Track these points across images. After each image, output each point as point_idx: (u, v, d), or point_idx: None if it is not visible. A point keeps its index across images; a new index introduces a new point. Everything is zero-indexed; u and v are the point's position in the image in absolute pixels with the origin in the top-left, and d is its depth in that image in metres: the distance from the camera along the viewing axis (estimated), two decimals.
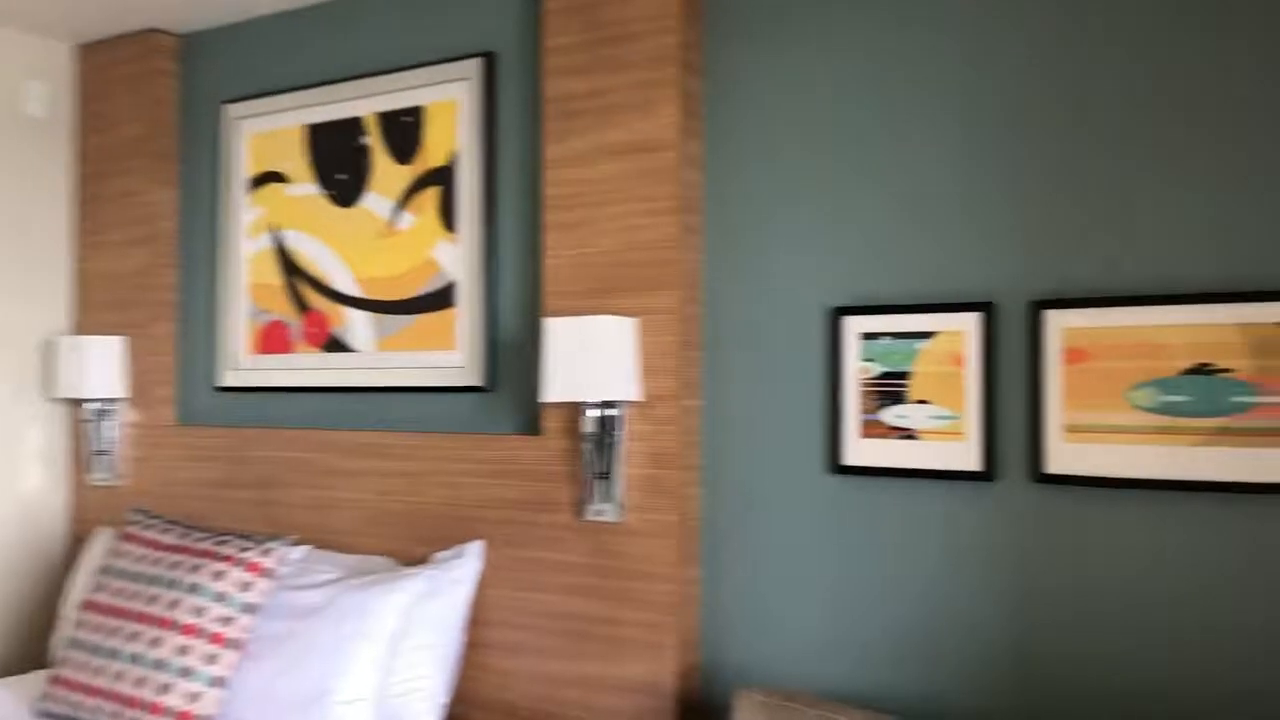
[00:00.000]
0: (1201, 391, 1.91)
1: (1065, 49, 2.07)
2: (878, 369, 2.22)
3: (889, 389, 2.21)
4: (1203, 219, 1.94)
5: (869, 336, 2.23)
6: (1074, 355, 2.03)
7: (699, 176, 2.46)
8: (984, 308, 2.11)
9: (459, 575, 2.55)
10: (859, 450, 2.24)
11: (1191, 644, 1.92)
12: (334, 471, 2.88)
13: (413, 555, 2.73)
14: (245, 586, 2.41)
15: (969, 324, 2.13)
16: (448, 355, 2.82)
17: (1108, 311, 1.99)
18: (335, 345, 3.01)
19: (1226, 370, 1.89)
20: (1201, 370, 1.92)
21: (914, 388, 2.18)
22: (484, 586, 2.61)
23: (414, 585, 2.50)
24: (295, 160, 3.11)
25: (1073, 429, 2.02)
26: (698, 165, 2.46)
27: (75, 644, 2.48)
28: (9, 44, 3.31)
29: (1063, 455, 2.03)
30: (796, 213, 2.35)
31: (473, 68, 2.79)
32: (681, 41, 2.41)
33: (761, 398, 2.38)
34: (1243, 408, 1.88)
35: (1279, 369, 1.85)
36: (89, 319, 3.41)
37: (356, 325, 2.98)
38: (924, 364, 2.17)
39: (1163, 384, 1.95)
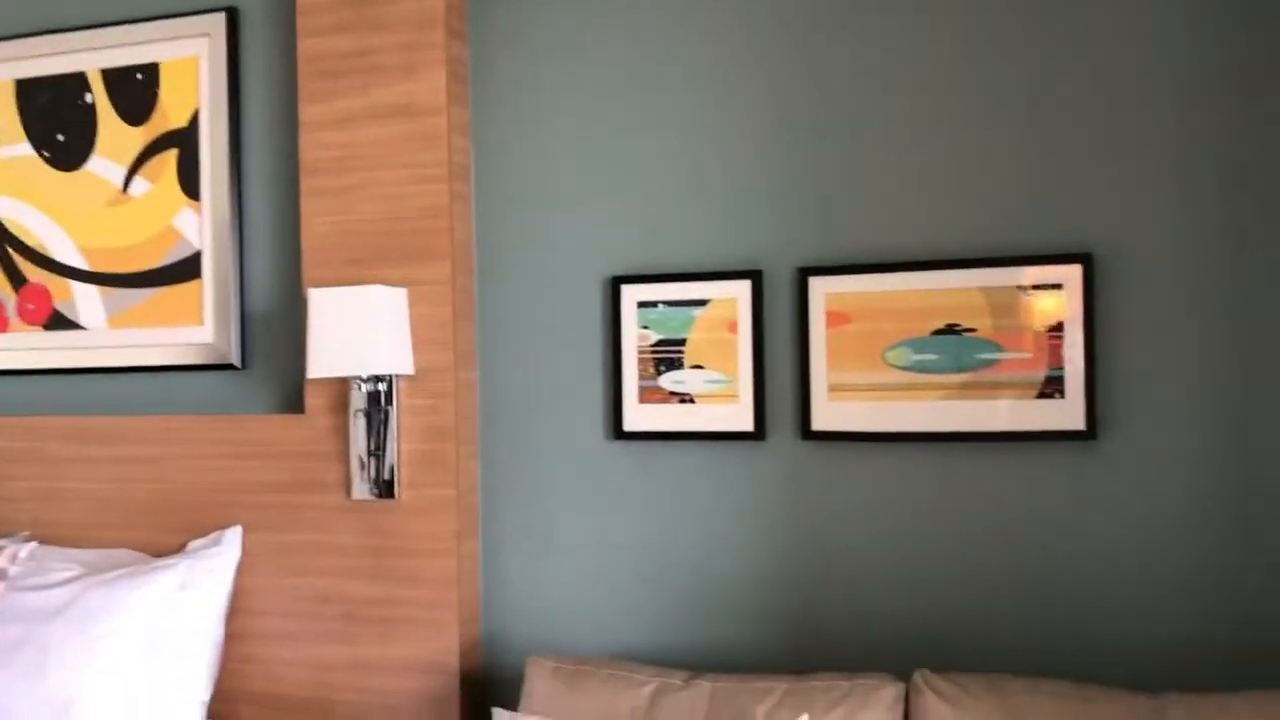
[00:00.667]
0: (949, 350, 2.09)
1: (812, 30, 2.19)
2: (655, 336, 2.27)
3: (666, 356, 2.26)
4: (950, 191, 2.11)
5: (646, 305, 2.28)
6: (836, 319, 2.16)
7: (467, 143, 2.42)
8: (753, 275, 2.21)
9: (216, 564, 2.40)
10: (639, 416, 2.28)
11: (944, 578, 2.10)
12: (63, 460, 2.63)
13: (163, 546, 2.53)
14: None
15: (740, 291, 2.22)
16: (193, 331, 2.63)
17: (866, 277, 2.13)
18: (60, 322, 2.74)
19: (971, 330, 2.07)
20: (949, 331, 2.09)
21: (690, 353, 2.25)
22: (246, 574, 2.46)
23: (166, 578, 2.33)
24: (3, 118, 2.79)
25: (836, 388, 2.15)
26: (465, 132, 2.42)
27: None
28: None
29: (827, 413, 2.16)
30: (568, 182, 2.36)
31: (214, 23, 2.60)
32: (447, 4, 2.35)
33: (541, 367, 2.38)
34: (985, 364, 2.07)
35: (1016, 328, 2.05)
36: None
37: (84, 300, 2.72)
38: (699, 330, 2.24)
39: (915, 344, 2.11)
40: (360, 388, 2.36)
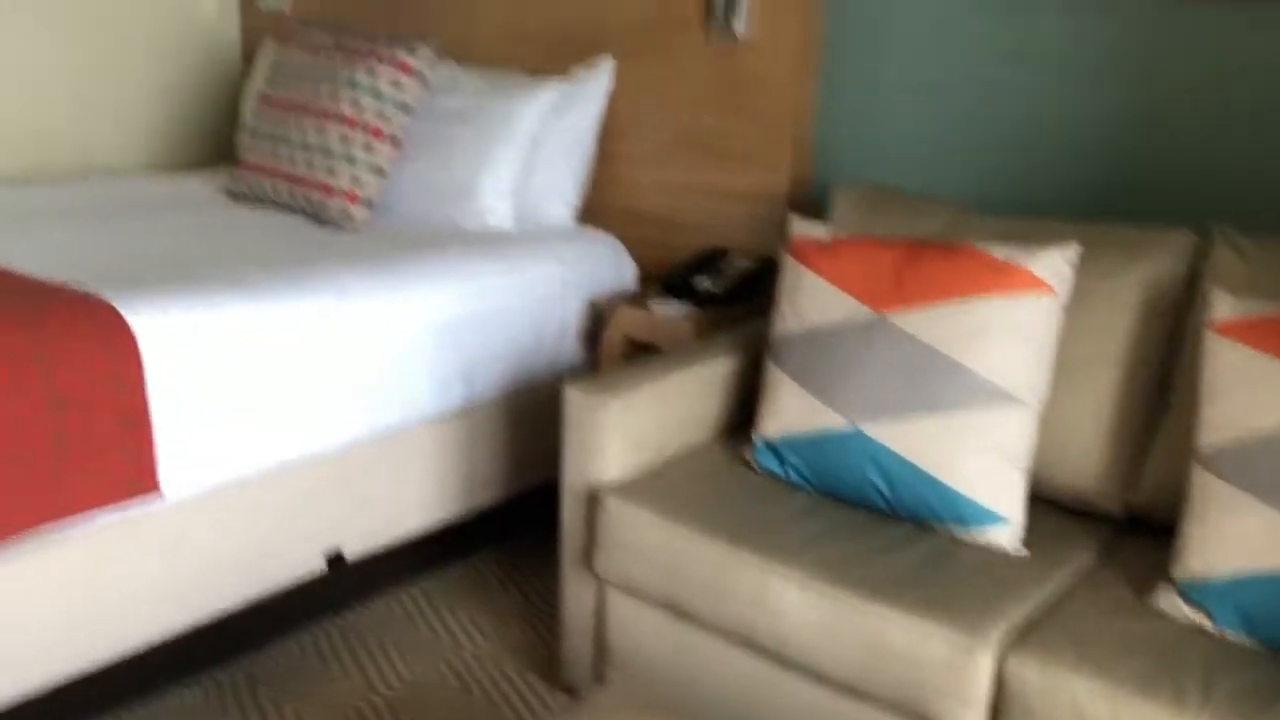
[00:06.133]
0: None
1: None
2: None
3: None
4: None
5: None
6: None
7: None
8: None
9: (592, 89, 2.70)
10: None
11: None
12: None
13: (545, 70, 2.86)
14: (396, 85, 2.62)
15: None
16: None
17: None
18: None
19: None
20: None
21: None
22: (613, 100, 2.75)
23: (549, 95, 2.67)
24: None
25: None
26: None
27: (254, 134, 2.78)
28: None
29: None
30: None
31: None
32: None
33: None
34: None
35: None
36: None
37: None
38: None
39: None
40: None
